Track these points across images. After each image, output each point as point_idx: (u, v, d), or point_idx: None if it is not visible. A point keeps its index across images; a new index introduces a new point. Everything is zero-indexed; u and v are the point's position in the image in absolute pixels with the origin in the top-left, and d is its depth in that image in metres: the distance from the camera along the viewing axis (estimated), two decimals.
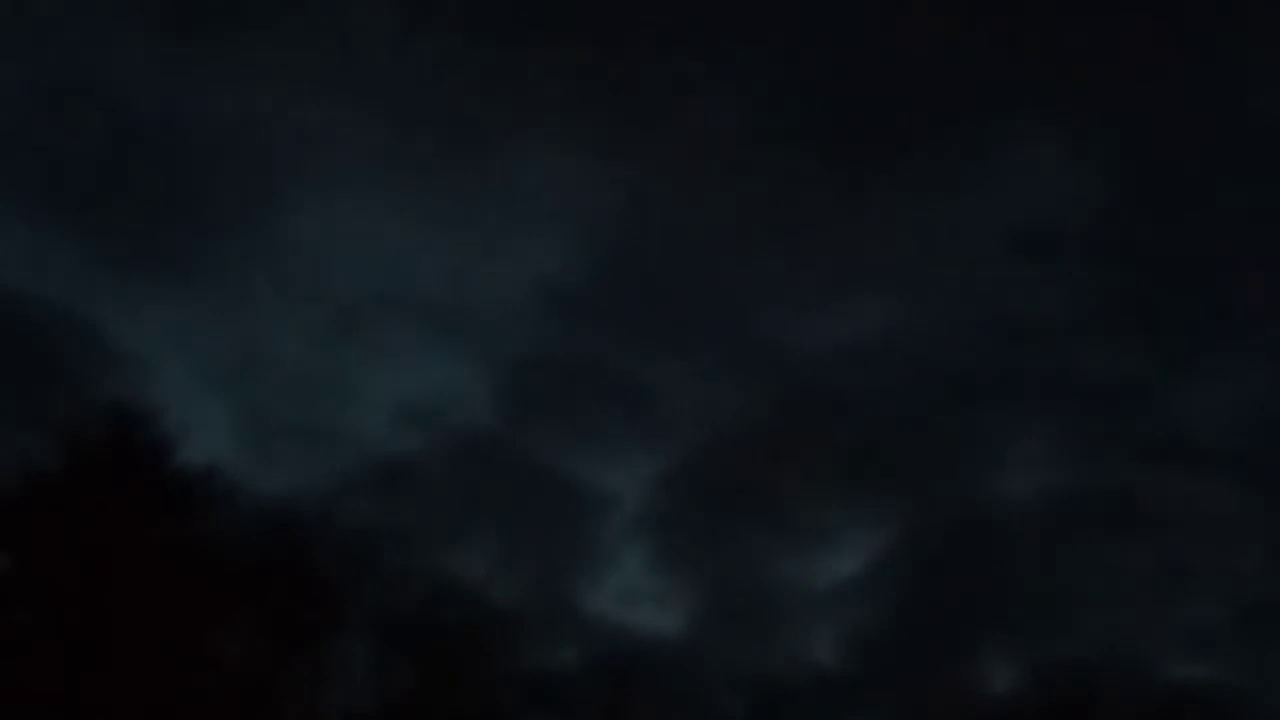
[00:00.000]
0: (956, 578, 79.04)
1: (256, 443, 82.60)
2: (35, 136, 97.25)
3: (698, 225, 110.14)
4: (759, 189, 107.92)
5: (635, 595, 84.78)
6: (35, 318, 70.37)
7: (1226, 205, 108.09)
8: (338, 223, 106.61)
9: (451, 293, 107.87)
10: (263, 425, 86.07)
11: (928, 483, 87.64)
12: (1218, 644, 73.01)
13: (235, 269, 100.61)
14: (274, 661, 50.92)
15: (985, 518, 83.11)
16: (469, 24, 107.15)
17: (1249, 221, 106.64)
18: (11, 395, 62.24)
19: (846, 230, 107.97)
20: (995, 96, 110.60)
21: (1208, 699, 60.06)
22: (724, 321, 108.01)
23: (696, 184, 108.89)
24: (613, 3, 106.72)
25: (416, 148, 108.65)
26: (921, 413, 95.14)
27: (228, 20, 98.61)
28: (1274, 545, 76.84)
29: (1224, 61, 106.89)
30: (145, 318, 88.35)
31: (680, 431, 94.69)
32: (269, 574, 50.69)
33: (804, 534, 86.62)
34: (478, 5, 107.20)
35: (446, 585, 58.81)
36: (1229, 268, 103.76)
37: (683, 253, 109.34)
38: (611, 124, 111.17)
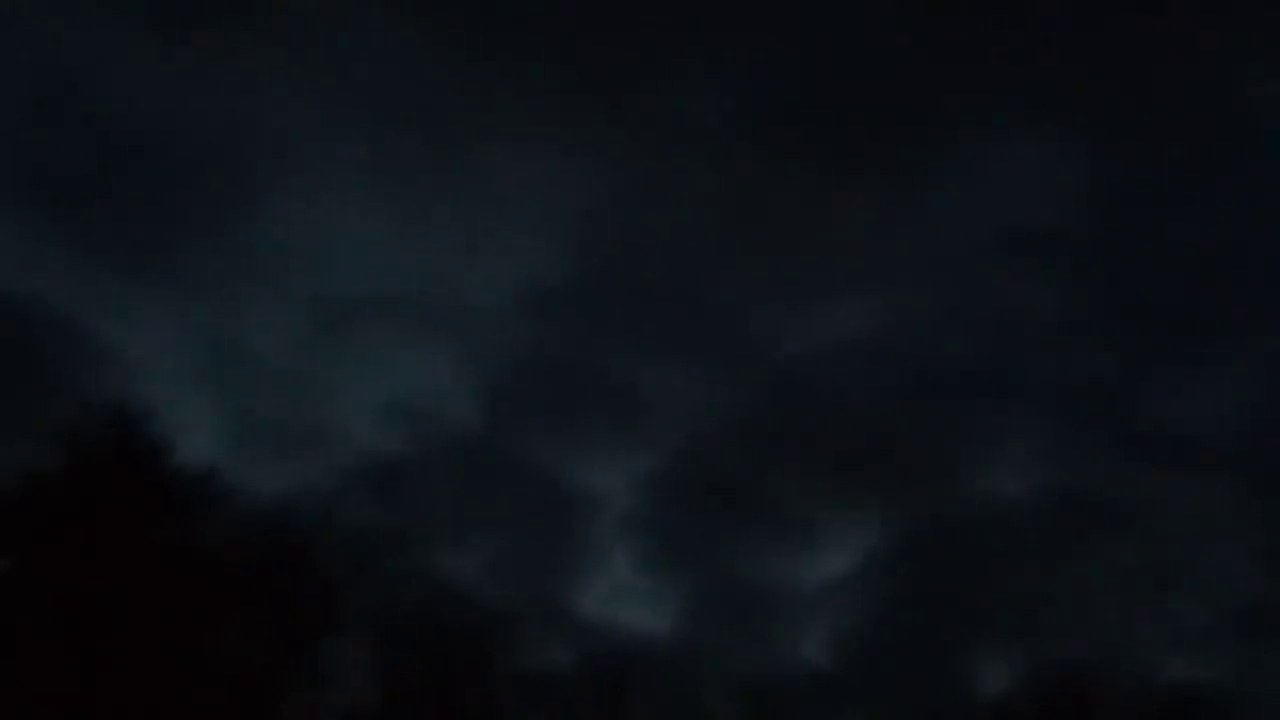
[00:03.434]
0: (948, 577, 79.45)
1: (242, 443, 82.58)
2: (24, 140, 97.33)
3: (686, 225, 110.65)
4: (748, 189, 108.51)
5: (626, 595, 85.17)
6: (23, 317, 70.06)
7: (1219, 205, 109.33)
8: (324, 224, 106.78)
9: (438, 293, 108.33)
10: (249, 425, 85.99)
11: (919, 482, 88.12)
12: (1213, 644, 73.44)
13: (223, 270, 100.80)
14: (274, 661, 50.75)
15: (976, 517, 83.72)
16: (453, 27, 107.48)
17: (1241, 221, 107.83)
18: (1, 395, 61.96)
19: (836, 230, 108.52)
20: (987, 96, 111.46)
21: (1205, 699, 60.29)
22: (713, 321, 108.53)
23: (684, 184, 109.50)
24: (599, 4, 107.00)
25: (402, 149, 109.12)
26: (912, 411, 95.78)
27: (214, 24, 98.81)
28: (1269, 545, 77.31)
29: (1217, 63, 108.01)
30: (133, 318, 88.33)
31: (669, 431, 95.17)
32: (268, 574, 50.58)
33: (794, 533, 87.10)
34: (462, 7, 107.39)
35: (441, 586, 59.06)
36: (1220, 268, 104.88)
37: (671, 252, 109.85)
38: (598, 125, 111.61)
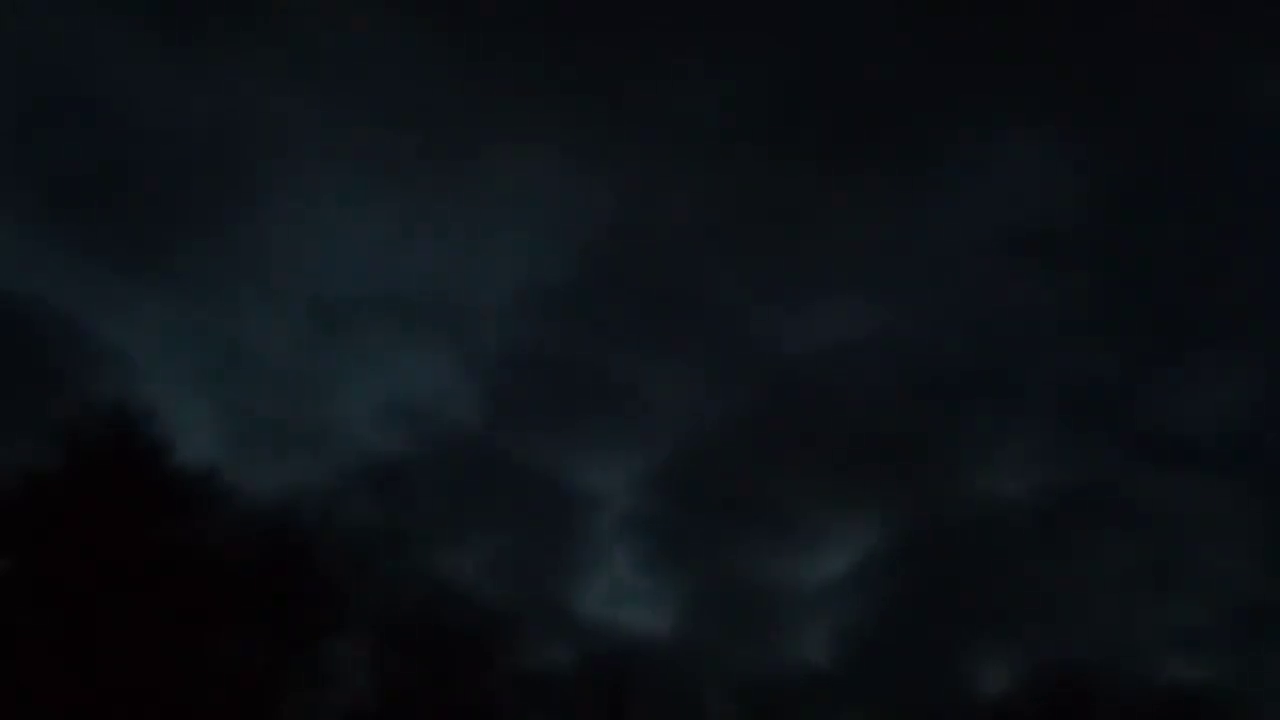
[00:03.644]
0: (948, 577, 79.43)
1: (243, 443, 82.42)
2: (24, 140, 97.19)
3: (685, 225, 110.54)
4: (746, 189, 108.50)
5: (625, 595, 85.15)
6: (23, 317, 70.03)
7: (1219, 205, 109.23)
8: (324, 224, 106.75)
9: (438, 293, 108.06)
10: (249, 425, 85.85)
11: (918, 481, 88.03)
12: (1213, 644, 73.38)
13: (223, 270, 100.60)
14: (274, 661, 50.75)
15: (976, 517, 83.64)
16: (453, 27, 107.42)
17: (1241, 221, 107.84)
18: (1, 395, 61.96)
19: (836, 230, 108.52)
20: (983, 96, 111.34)
21: (1205, 699, 60.31)
22: (711, 321, 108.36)
23: (684, 184, 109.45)
24: (597, 5, 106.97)
25: (401, 149, 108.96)
26: (911, 411, 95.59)
27: (213, 25, 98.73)
28: (1269, 545, 77.27)
29: (1217, 63, 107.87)
30: (133, 318, 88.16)
31: (667, 431, 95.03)
32: (268, 574, 50.59)
33: (793, 533, 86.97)
34: (462, 7, 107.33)
35: (441, 586, 59.12)
36: (1220, 268, 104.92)
37: (670, 252, 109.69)
38: (598, 125, 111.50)
